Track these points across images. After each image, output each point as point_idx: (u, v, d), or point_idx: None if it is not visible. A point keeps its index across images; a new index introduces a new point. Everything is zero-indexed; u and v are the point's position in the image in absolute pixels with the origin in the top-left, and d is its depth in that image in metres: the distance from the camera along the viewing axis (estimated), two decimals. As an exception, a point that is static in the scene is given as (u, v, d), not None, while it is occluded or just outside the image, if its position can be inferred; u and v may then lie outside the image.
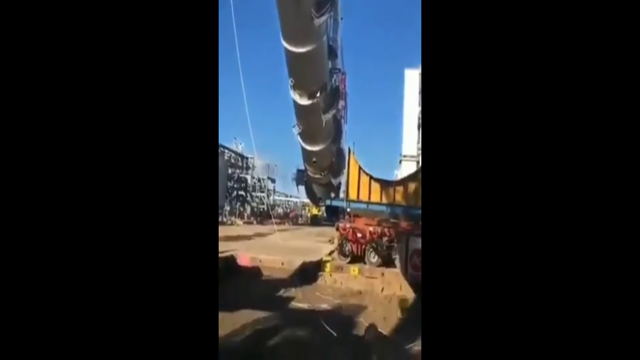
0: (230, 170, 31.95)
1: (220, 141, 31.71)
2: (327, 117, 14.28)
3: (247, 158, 35.87)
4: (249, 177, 36.23)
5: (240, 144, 35.24)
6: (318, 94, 13.21)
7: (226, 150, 32.79)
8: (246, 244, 12.86)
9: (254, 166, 36.61)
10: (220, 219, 26.26)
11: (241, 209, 35.08)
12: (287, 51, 11.23)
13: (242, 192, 35.61)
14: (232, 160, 33.79)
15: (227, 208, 30.81)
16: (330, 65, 13.48)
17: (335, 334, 5.36)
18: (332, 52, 13.91)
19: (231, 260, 9.79)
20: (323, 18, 9.87)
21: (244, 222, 28.95)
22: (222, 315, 5.98)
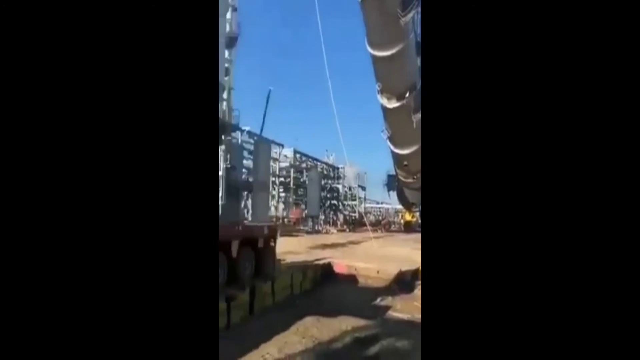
0: (323, 182, 33.12)
1: (314, 154, 33.26)
2: (417, 117, 13.66)
3: (337, 168, 36.75)
4: (340, 187, 36.98)
5: (331, 155, 36.38)
6: (407, 94, 12.76)
7: (319, 163, 34.20)
8: (341, 252, 13.00)
9: (344, 175, 37.25)
10: (315, 228, 27.26)
11: (334, 217, 35.89)
12: (373, 56, 11.16)
13: (334, 202, 36.49)
14: (325, 172, 34.98)
15: (322, 217, 31.86)
16: (419, 62, 12.90)
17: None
18: (421, 48, 13.29)
19: (328, 267, 10.00)
20: (409, 16, 9.54)
21: (338, 230, 29.49)
22: (322, 321, 6.12)
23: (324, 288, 8.82)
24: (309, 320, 6.03)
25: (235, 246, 6.76)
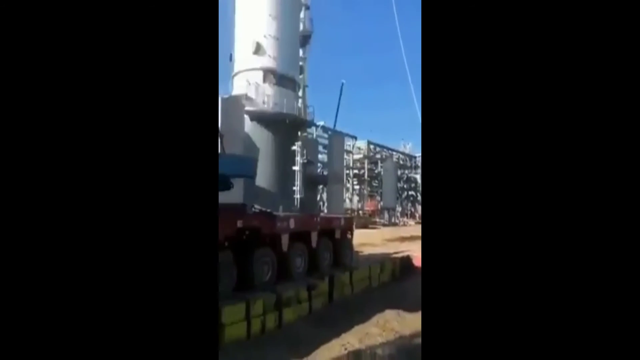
0: (399, 172, 32.19)
1: (389, 144, 32.48)
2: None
3: (415, 157, 35.31)
4: (418, 176, 35.54)
5: (408, 144, 35.11)
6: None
7: (394, 153, 33.25)
8: (419, 244, 12.50)
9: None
10: (392, 220, 26.71)
11: (412, 209, 34.65)
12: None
13: (412, 192, 35.18)
14: (401, 162, 33.92)
15: (399, 209, 31.03)
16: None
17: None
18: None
19: (407, 260, 9.73)
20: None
21: (416, 223, 28.42)
22: (402, 315, 5.99)
23: (402, 281, 8.61)
24: (389, 313, 5.96)
25: (314, 237, 6.99)
